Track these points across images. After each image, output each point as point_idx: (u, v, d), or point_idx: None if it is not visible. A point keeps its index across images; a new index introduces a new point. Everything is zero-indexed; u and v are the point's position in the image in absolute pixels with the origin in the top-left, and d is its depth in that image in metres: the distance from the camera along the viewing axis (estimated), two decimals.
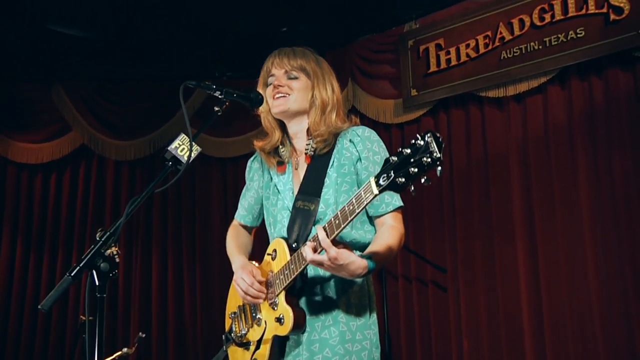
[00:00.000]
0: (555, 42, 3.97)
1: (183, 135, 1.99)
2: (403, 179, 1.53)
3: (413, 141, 1.52)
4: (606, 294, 3.83)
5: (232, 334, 2.19)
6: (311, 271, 2.02)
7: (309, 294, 2.02)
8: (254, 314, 2.10)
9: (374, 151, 2.04)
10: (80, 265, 1.72)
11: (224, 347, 2.23)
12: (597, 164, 3.94)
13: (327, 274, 1.99)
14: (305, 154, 2.13)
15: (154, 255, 5.63)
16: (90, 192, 5.69)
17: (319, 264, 1.78)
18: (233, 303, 2.26)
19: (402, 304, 4.73)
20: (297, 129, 2.17)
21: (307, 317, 1.99)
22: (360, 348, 1.97)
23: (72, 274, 1.71)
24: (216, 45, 5.17)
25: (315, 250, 1.78)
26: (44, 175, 5.77)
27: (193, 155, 1.96)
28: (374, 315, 2.07)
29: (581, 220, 3.96)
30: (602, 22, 3.78)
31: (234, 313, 2.22)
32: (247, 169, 2.37)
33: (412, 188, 1.55)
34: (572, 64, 3.94)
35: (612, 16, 3.74)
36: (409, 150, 1.53)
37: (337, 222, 1.75)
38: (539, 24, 4.06)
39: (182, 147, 1.97)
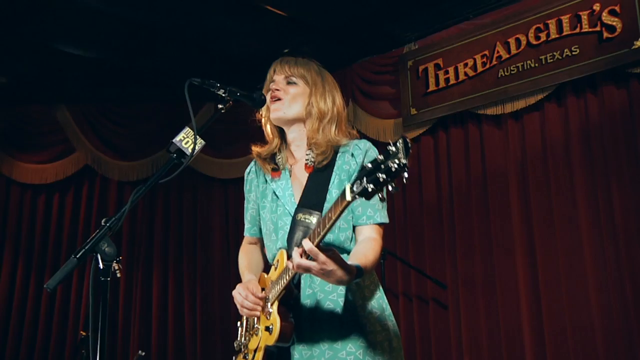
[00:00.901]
0: (551, 60, 4.06)
1: (187, 128, 2.01)
2: (372, 185, 1.49)
3: (387, 147, 1.48)
4: (606, 308, 3.83)
5: (236, 343, 2.20)
6: (321, 295, 2.01)
7: (313, 313, 2.00)
8: (253, 324, 2.10)
9: (370, 157, 2.05)
10: (86, 248, 1.73)
11: (234, 357, 2.22)
12: (594, 179, 3.98)
13: (335, 295, 2.00)
14: (306, 164, 2.13)
15: (155, 274, 5.65)
16: (92, 212, 5.74)
17: (307, 269, 1.74)
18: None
19: (402, 322, 4.71)
20: (296, 135, 2.18)
21: (322, 342, 1.96)
22: (382, 339, 2.00)
23: (77, 256, 1.72)
24: (220, 67, 5.29)
25: (301, 256, 1.75)
26: (47, 195, 5.83)
27: (197, 148, 1.98)
28: (387, 307, 2.08)
29: (580, 235, 3.98)
30: (596, 40, 3.88)
31: (241, 323, 2.22)
32: (244, 182, 2.39)
33: (383, 194, 1.54)
34: (568, 80, 4.02)
35: (605, 34, 3.84)
36: (382, 157, 1.48)
37: (318, 230, 1.73)
38: (534, 42, 4.16)
39: (187, 140, 1.99)
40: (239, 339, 2.19)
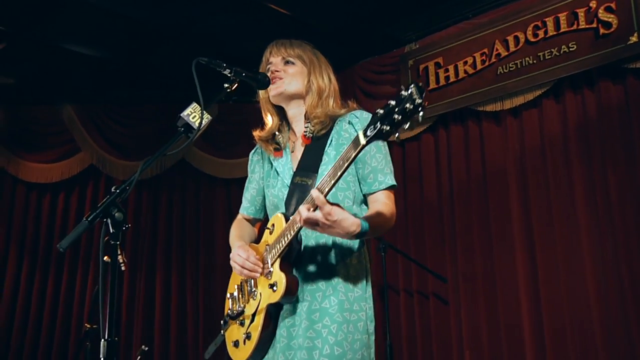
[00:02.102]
0: (549, 56, 4.14)
1: (195, 103, 2.04)
2: (388, 127, 1.57)
3: (399, 93, 1.57)
4: (605, 302, 3.85)
5: (229, 314, 2.21)
6: (311, 241, 2.06)
7: (308, 265, 2.04)
8: (250, 289, 2.12)
9: None
10: (96, 212, 1.79)
11: (222, 331, 2.25)
12: (592, 174, 4.03)
13: (327, 243, 2.04)
14: (304, 135, 2.18)
15: (158, 272, 5.70)
16: None
17: (314, 223, 1.79)
18: (232, 285, 2.29)
19: (403, 318, 4.76)
20: (296, 112, 2.23)
21: (308, 287, 2.01)
22: (357, 318, 2.01)
23: (88, 219, 1.78)
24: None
25: (309, 210, 1.80)
26: (52, 194, 5.90)
27: (204, 123, 2.00)
28: (370, 290, 2.10)
29: (579, 229, 4.02)
30: (593, 36, 3.96)
31: (231, 294, 2.24)
32: (249, 162, 2.44)
33: (397, 135, 1.60)
34: (565, 76, 4.10)
35: (602, 30, 3.92)
36: (394, 102, 1.57)
37: (328, 179, 1.78)
38: (532, 40, 4.24)
39: (194, 115, 2.02)
40: (231, 308, 2.21)
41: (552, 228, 4.15)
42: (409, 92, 1.54)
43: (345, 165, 1.72)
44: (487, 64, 4.47)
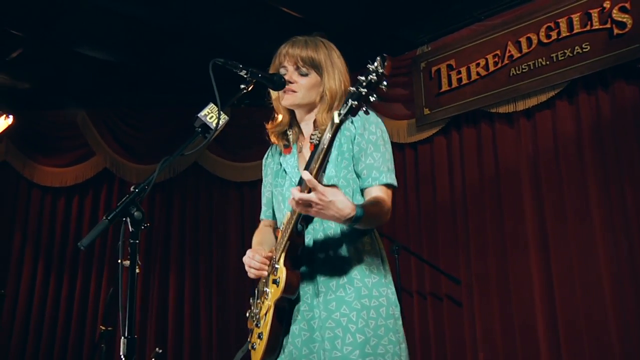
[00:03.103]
0: (562, 57, 4.13)
1: (212, 104, 2.05)
2: (356, 102, 1.63)
3: (366, 66, 1.63)
4: (621, 303, 3.83)
5: (248, 316, 2.22)
6: (319, 234, 2.05)
7: (320, 258, 2.04)
8: (264, 289, 2.11)
9: (369, 130, 2.10)
10: (116, 211, 1.81)
11: (249, 339, 2.23)
12: (606, 175, 4.01)
13: (336, 233, 2.04)
14: (311, 142, 2.17)
15: (172, 275, 5.73)
16: None
17: (307, 204, 1.78)
18: (256, 290, 2.28)
19: (417, 320, 4.74)
20: (306, 116, 2.24)
21: (322, 278, 2.00)
22: (378, 304, 2.00)
23: (108, 218, 1.79)
24: (234, 72, 5.38)
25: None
26: (66, 198, 5.96)
27: (221, 124, 2.01)
28: (389, 276, 2.09)
29: (593, 230, 4.00)
30: (606, 36, 3.95)
31: (252, 298, 2.25)
32: (262, 166, 2.44)
33: (364, 108, 1.66)
34: (579, 77, 4.08)
35: (616, 30, 3.90)
36: (362, 77, 1.63)
37: (314, 162, 1.81)
38: (545, 41, 4.23)
39: (211, 115, 2.03)
40: (251, 311, 2.22)
41: (566, 229, 4.13)
42: (375, 64, 1.61)
43: (325, 147, 1.76)
44: (499, 65, 4.47)
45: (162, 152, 5.71)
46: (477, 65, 4.58)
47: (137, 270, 1.87)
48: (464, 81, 4.65)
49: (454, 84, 4.70)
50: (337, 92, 2.14)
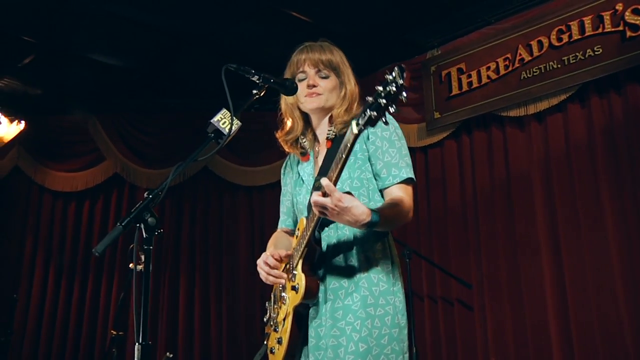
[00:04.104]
0: (574, 60, 4.11)
1: (225, 109, 2.03)
2: (375, 112, 1.63)
3: (385, 76, 1.61)
4: (635, 308, 3.79)
5: (265, 322, 2.23)
6: (332, 240, 2.05)
7: (331, 264, 2.04)
8: (281, 294, 2.12)
9: (382, 127, 2.09)
10: (130, 217, 1.81)
11: (265, 341, 2.25)
12: (619, 178, 3.98)
13: (349, 239, 2.03)
14: (327, 139, 2.19)
15: (182, 279, 5.75)
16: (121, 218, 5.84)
17: (323, 207, 1.80)
18: (271, 295, 2.29)
19: (428, 324, 4.73)
20: (322, 120, 2.25)
21: (331, 285, 2.01)
22: (384, 313, 1.98)
23: (122, 224, 1.79)
24: (245, 78, 5.39)
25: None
26: (77, 203, 5.98)
27: (234, 129, 2.01)
28: (399, 284, 2.08)
29: (607, 234, 3.96)
30: (619, 39, 3.92)
31: (268, 303, 2.26)
32: (281, 176, 2.45)
33: (384, 119, 1.65)
34: (591, 80, 4.06)
35: (629, 33, 3.88)
36: (380, 87, 1.62)
37: (333, 168, 1.82)
38: (557, 44, 4.21)
39: (224, 121, 2.02)
40: (267, 316, 2.23)
41: (578, 233, 4.10)
42: (393, 75, 1.60)
43: (344, 156, 1.76)
44: (510, 69, 4.45)
45: (173, 156, 5.83)
46: (488, 68, 4.57)
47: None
48: (475, 85, 4.63)
49: (465, 87, 4.69)
50: (355, 93, 2.18)
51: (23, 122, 5.82)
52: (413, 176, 2.08)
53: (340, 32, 4.84)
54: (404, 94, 1.61)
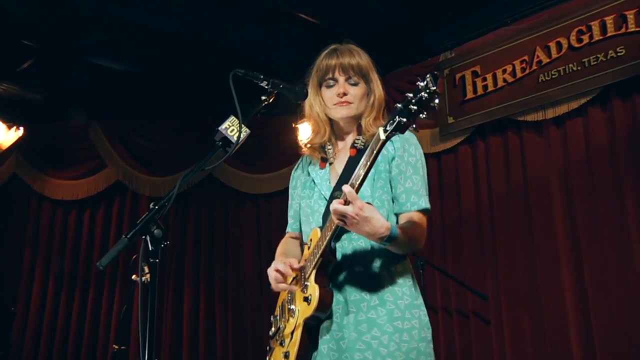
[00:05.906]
0: (595, 62, 3.95)
1: (233, 117, 1.97)
2: (405, 119, 1.64)
3: (417, 84, 1.63)
4: None
5: (271, 335, 2.17)
6: (348, 251, 2.02)
7: (349, 275, 2.00)
8: (289, 307, 2.08)
9: (409, 152, 2.08)
10: (136, 229, 1.71)
11: (267, 357, 2.19)
12: None
13: (366, 249, 1.99)
14: (353, 147, 2.15)
15: (186, 288, 5.62)
16: (123, 228, 5.72)
17: (343, 215, 1.77)
18: (277, 308, 2.24)
19: (442, 337, 4.57)
20: (348, 128, 2.21)
21: (352, 297, 1.97)
22: (411, 327, 1.95)
23: (128, 236, 1.69)
24: (252, 83, 5.26)
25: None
26: (78, 211, 5.84)
27: (243, 137, 1.93)
28: (421, 298, 2.05)
29: (631, 244, 3.80)
30: None
31: (274, 316, 2.20)
32: (291, 179, 2.40)
33: (414, 125, 1.67)
34: (612, 83, 3.90)
35: None
36: (411, 95, 1.63)
37: (356, 176, 1.81)
38: (576, 45, 4.06)
39: (232, 128, 1.95)
40: (273, 330, 2.17)
41: (601, 243, 3.94)
42: (425, 82, 1.62)
43: (369, 163, 1.77)
44: (527, 71, 4.29)
45: (177, 163, 5.69)
46: (504, 71, 4.41)
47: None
48: (490, 88, 4.48)
49: (479, 91, 4.53)
50: (382, 99, 2.16)
51: (22, 128, 5.68)
52: (430, 206, 2.07)
53: (352, 35, 4.68)
54: (437, 100, 1.63)
